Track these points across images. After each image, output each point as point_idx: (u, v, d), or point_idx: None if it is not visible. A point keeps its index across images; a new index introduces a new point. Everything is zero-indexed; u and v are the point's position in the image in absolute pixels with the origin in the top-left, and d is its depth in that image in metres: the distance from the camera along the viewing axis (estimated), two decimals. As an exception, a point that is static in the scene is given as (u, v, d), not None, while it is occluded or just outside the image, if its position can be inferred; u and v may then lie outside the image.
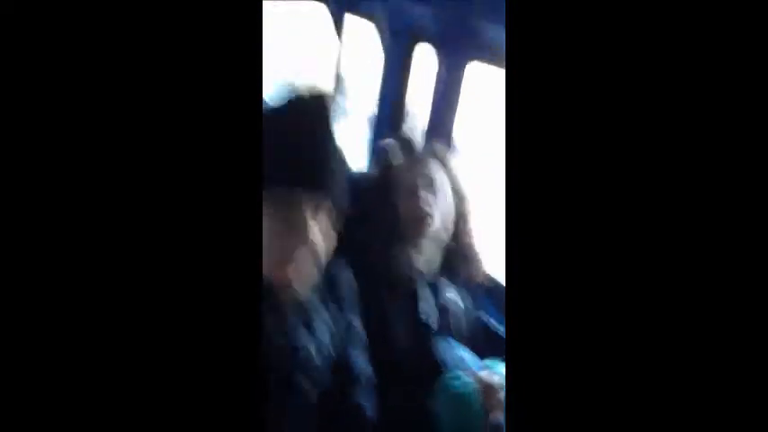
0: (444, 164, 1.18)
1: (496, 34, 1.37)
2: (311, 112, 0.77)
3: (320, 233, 0.76)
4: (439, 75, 1.55)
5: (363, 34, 1.87)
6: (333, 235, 0.79)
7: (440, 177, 1.15)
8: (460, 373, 1.04)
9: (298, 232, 0.74)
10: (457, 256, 1.19)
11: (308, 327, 0.85)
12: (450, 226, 1.16)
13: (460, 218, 1.18)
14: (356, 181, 1.24)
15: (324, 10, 2.01)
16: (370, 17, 1.79)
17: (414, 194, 1.11)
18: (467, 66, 1.49)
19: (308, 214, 0.74)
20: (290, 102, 0.78)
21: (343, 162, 0.79)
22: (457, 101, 1.54)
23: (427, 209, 1.11)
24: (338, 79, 1.85)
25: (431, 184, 1.13)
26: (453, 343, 1.13)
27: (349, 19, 1.94)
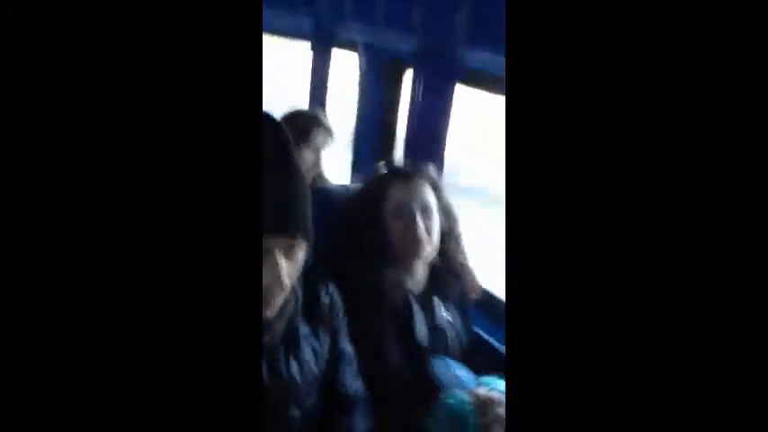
0: (435, 186, 1.19)
1: (479, 57, 1.41)
2: (275, 151, 0.72)
3: (290, 267, 0.76)
4: (425, 99, 1.58)
5: (348, 65, 1.91)
6: (302, 263, 0.78)
7: (432, 200, 1.16)
8: (457, 391, 1.03)
9: (267, 271, 0.72)
10: (447, 273, 1.19)
11: (293, 352, 0.84)
12: (437, 244, 1.17)
13: (450, 237, 1.19)
14: (342, 196, 1.26)
15: (307, 48, 2.07)
16: (353, 47, 1.84)
17: (409, 220, 1.12)
18: (453, 88, 1.52)
19: (277, 254, 0.73)
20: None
21: (309, 200, 0.76)
22: (446, 123, 1.57)
23: (424, 235, 1.12)
24: (324, 111, 1.88)
25: (426, 209, 1.14)
26: (449, 362, 1.12)
27: (334, 52, 1.99)
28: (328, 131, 1.75)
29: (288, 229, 0.73)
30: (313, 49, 2.05)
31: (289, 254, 0.74)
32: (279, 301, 0.77)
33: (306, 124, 1.71)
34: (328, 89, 2.03)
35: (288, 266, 0.74)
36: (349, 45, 1.86)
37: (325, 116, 1.81)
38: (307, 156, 1.69)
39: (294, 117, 1.71)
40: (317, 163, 1.74)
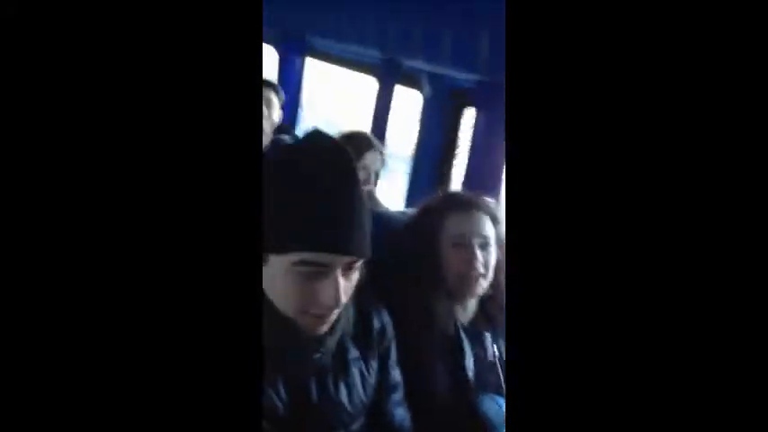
0: (494, 219, 1.17)
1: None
2: (339, 173, 0.76)
3: (347, 285, 0.77)
4: (485, 131, 1.59)
5: (411, 95, 1.95)
6: (358, 283, 0.80)
7: (491, 233, 1.13)
8: (505, 429, 1.00)
9: (327, 289, 0.75)
10: (499, 308, 1.17)
11: (342, 375, 0.85)
12: (493, 279, 1.14)
13: (500, 269, 1.17)
14: (398, 221, 1.25)
15: (373, 82, 2.13)
16: (416, 78, 1.87)
17: (469, 253, 1.10)
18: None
19: (338, 272, 0.75)
20: (313, 162, 0.76)
21: (370, 221, 0.78)
22: (502, 157, 1.56)
23: (482, 270, 1.10)
24: (385, 143, 1.93)
25: (485, 243, 1.12)
26: (498, 399, 1.09)
27: (399, 83, 2.04)
28: (380, 153, 1.80)
29: (349, 248, 0.74)
30: (377, 78, 2.11)
31: (347, 272, 0.76)
32: (333, 317, 0.79)
33: (358, 145, 1.76)
34: (390, 118, 2.08)
35: (345, 284, 0.76)
36: (413, 76, 1.90)
37: (376, 139, 1.86)
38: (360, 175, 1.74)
39: (347, 138, 1.77)
40: (367, 183, 1.78)
